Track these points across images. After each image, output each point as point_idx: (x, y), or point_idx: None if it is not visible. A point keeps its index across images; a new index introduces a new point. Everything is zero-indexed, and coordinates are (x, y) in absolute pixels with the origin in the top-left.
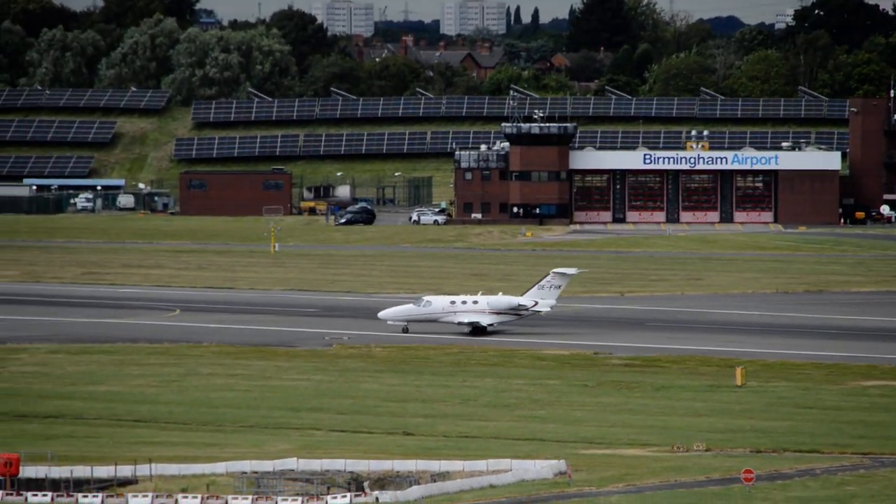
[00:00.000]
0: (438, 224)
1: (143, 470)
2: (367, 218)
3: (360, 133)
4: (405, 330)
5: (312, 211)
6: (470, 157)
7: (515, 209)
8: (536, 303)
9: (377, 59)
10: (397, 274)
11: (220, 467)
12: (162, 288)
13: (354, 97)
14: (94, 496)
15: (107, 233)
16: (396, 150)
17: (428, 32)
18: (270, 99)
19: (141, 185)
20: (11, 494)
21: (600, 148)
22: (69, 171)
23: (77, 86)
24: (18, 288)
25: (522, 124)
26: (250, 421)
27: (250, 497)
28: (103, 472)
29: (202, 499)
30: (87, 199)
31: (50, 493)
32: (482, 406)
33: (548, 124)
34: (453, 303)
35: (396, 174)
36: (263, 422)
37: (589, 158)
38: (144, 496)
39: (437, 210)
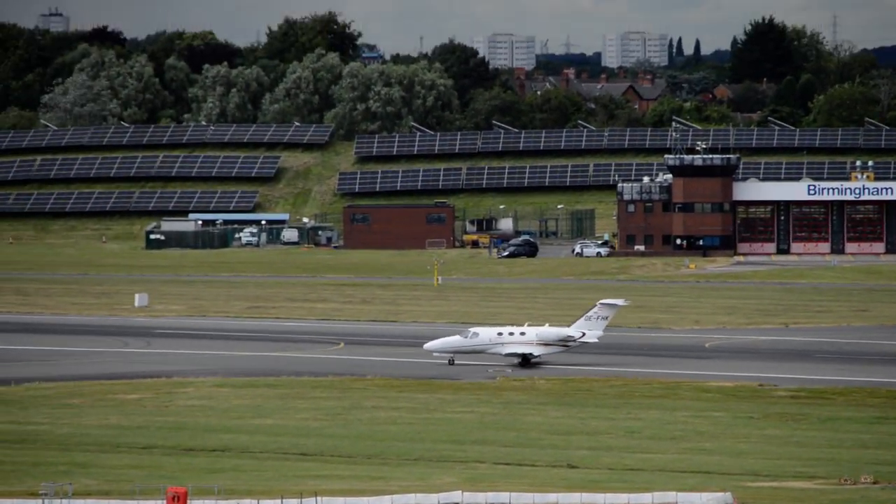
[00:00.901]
0: (601, 256)
1: (308, 503)
2: (529, 251)
3: (522, 166)
4: (451, 362)
5: (475, 244)
6: (633, 189)
7: (678, 241)
8: (584, 334)
9: (539, 92)
10: (560, 306)
11: (385, 500)
12: (326, 321)
13: (516, 130)
14: None
15: (271, 267)
16: (559, 182)
17: (590, 65)
18: (433, 132)
19: (305, 220)
20: None
21: (764, 179)
22: (234, 206)
23: (241, 121)
24: (185, 322)
25: (685, 156)
26: (415, 454)
27: None
28: None
29: None
30: (252, 234)
31: None
32: (647, 438)
33: (711, 156)
34: (500, 334)
35: (559, 207)
36: (428, 455)
37: (752, 190)
38: None
39: (599, 242)
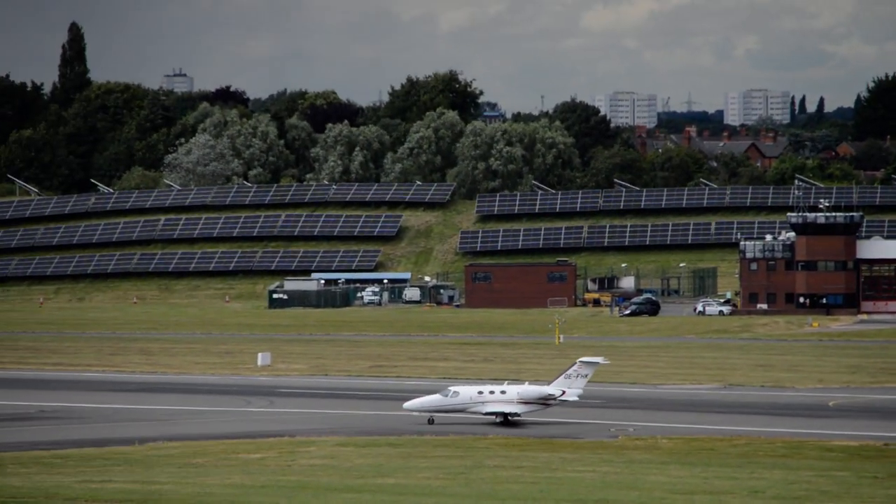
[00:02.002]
0: (724, 315)
1: None
2: (651, 309)
3: (644, 224)
4: (431, 421)
5: (597, 302)
6: (755, 248)
7: (801, 299)
8: (564, 392)
9: (660, 150)
10: (682, 365)
11: None
12: (447, 380)
13: (638, 188)
14: None
15: (393, 326)
16: (681, 240)
17: (711, 122)
18: (554, 191)
19: (426, 278)
20: None
21: (888, 237)
22: (356, 265)
23: (363, 180)
24: (307, 381)
25: (808, 214)
26: None
27: None
28: None
29: None
30: (374, 293)
31: None
32: (770, 498)
33: (834, 213)
34: (481, 393)
35: (681, 265)
36: None
37: (877, 248)
38: None
39: (722, 301)
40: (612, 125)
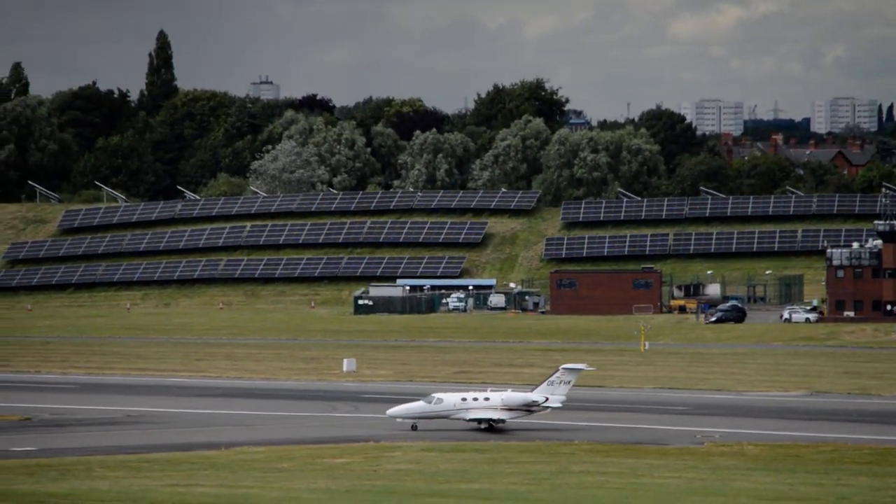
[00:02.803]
0: (810, 322)
1: None
2: (737, 316)
3: (729, 231)
4: (414, 427)
5: (682, 309)
6: (842, 255)
7: (889, 307)
8: (547, 398)
9: (746, 158)
10: (768, 372)
11: None
12: (532, 386)
13: (723, 196)
14: None
15: (478, 332)
16: (767, 248)
17: (798, 130)
18: (639, 198)
19: (511, 285)
20: None
21: None
22: (441, 272)
23: (449, 187)
24: (392, 387)
25: (895, 222)
26: None
27: None
28: None
29: None
30: (459, 299)
31: None
32: None
33: None
34: (464, 399)
35: (767, 272)
36: None
37: None
38: None
39: (808, 308)
40: (698, 133)
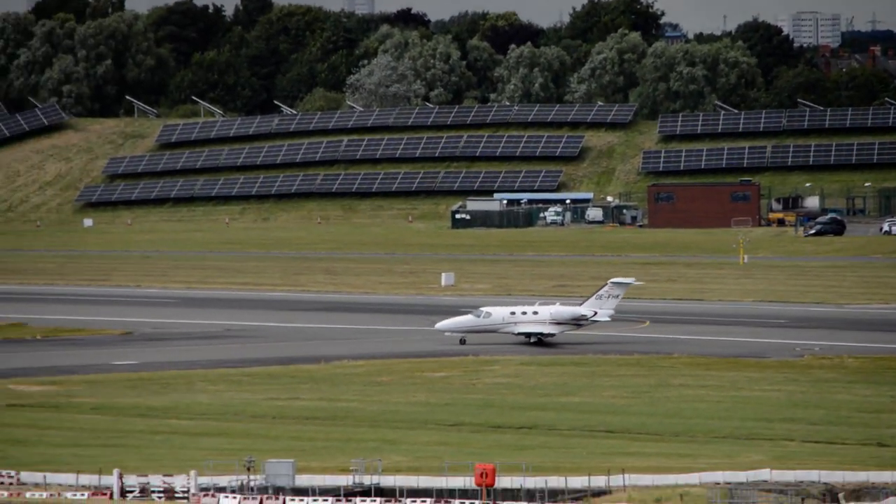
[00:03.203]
0: None
1: (616, 480)
2: (836, 229)
3: (827, 143)
4: (462, 342)
5: (781, 222)
6: None
7: None
8: (595, 312)
9: (844, 70)
10: (868, 285)
11: (693, 478)
12: (631, 300)
13: (821, 108)
14: None
15: (575, 246)
16: (866, 160)
17: None
18: (736, 111)
19: (609, 199)
20: None
21: None
22: (538, 185)
23: (544, 101)
24: (491, 301)
25: None
26: (722, 432)
27: None
28: (577, 482)
29: None
30: (557, 213)
31: None
32: None
33: None
34: (513, 313)
35: (866, 184)
36: (736, 432)
37: None
38: None
39: None
40: (796, 45)
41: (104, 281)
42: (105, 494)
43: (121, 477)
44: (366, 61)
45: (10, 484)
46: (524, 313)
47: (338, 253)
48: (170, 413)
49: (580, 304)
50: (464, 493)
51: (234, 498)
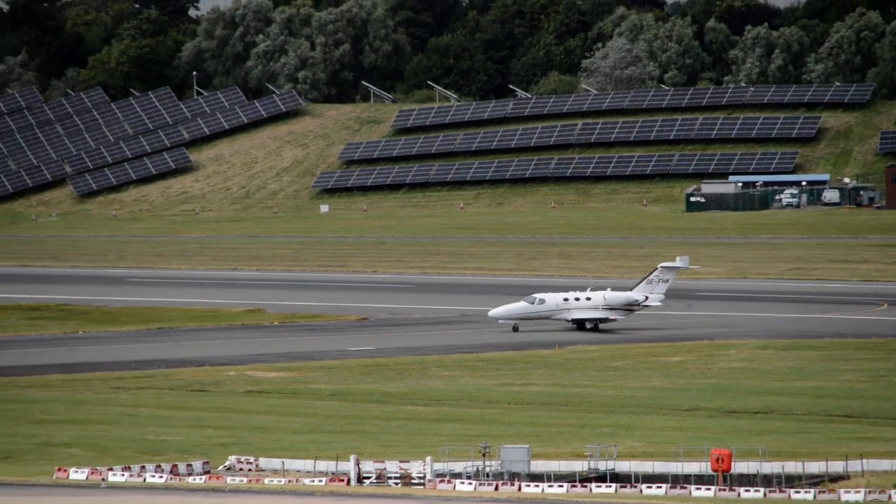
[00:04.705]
0: None
1: (854, 466)
2: None
3: None
4: (515, 329)
5: None
6: None
7: None
8: (647, 297)
9: None
10: None
11: None
12: (868, 283)
13: None
14: (805, 492)
15: (812, 228)
16: None
17: None
18: None
19: (846, 180)
20: (724, 490)
21: None
22: (773, 167)
23: (781, 82)
24: (725, 284)
25: None
26: None
27: None
28: (814, 468)
29: None
30: (792, 195)
31: (762, 489)
32: None
33: None
34: (566, 300)
35: None
36: None
37: None
38: (857, 492)
39: None
40: None
41: (340, 267)
42: (342, 481)
43: (357, 463)
44: (600, 44)
45: (249, 470)
46: (577, 299)
47: (572, 237)
48: (405, 399)
49: (631, 290)
50: (699, 479)
51: (470, 484)
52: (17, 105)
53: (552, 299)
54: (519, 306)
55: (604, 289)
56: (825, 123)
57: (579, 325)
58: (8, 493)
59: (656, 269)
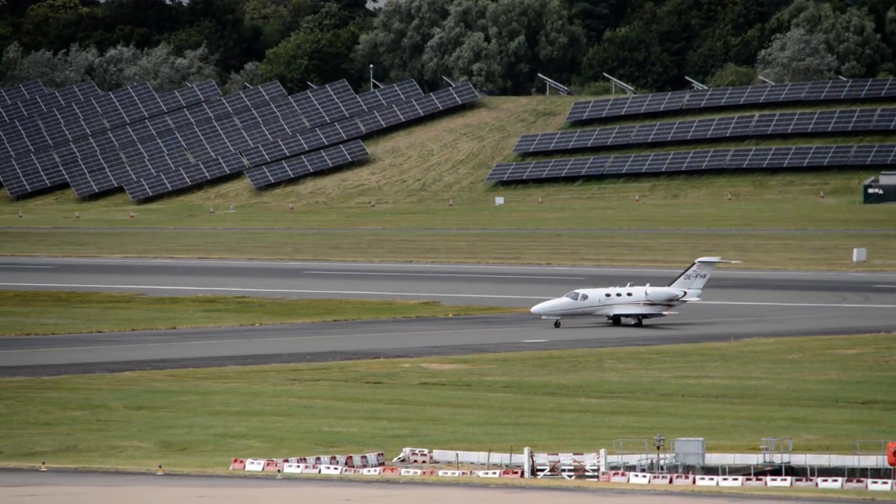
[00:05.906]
0: None
1: None
2: None
3: None
4: (557, 325)
5: None
6: None
7: None
8: (685, 293)
9: None
10: None
11: None
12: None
13: None
14: None
15: None
16: None
17: None
18: None
19: None
20: None
21: None
22: None
23: None
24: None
25: None
26: None
27: None
28: None
29: None
30: None
31: None
32: None
33: None
34: (608, 295)
35: None
36: None
37: None
38: None
39: None
40: None
41: (515, 259)
42: (516, 473)
43: (532, 455)
44: (778, 35)
45: (423, 462)
46: (619, 295)
47: (748, 229)
48: (579, 391)
49: (669, 286)
50: (876, 473)
51: (644, 476)
52: (195, 98)
53: (594, 295)
54: (562, 302)
55: (644, 284)
56: None
57: (615, 321)
58: (186, 484)
59: (694, 263)
